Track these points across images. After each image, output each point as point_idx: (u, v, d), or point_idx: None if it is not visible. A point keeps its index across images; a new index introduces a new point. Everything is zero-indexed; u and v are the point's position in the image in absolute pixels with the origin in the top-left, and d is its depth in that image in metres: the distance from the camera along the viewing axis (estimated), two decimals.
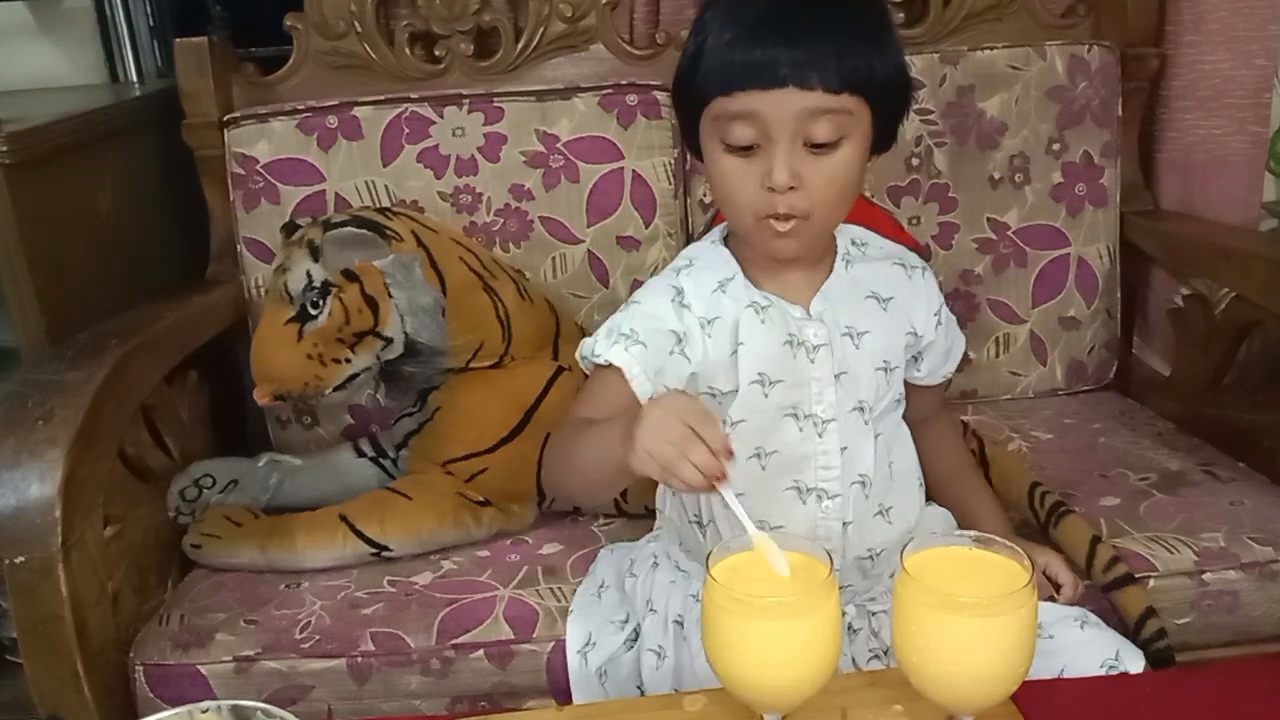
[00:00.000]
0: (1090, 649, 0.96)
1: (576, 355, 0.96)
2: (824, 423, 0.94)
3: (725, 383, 0.94)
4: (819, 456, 0.95)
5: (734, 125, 0.86)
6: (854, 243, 0.99)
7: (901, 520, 1.00)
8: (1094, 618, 1.00)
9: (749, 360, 0.93)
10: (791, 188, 0.85)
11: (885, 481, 0.98)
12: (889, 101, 0.89)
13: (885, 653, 0.97)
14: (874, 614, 0.99)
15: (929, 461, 1.06)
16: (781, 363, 0.94)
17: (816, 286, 0.95)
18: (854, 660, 0.97)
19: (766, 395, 0.94)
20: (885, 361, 0.97)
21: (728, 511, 0.94)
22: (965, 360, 1.57)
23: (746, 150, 0.86)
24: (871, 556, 0.98)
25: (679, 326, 0.93)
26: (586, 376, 0.96)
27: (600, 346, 0.92)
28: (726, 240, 0.98)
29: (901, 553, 0.71)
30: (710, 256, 0.97)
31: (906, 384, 1.02)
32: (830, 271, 0.96)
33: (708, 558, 0.72)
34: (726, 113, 0.86)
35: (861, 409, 0.95)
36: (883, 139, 0.91)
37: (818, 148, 0.85)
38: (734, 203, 0.89)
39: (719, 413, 0.94)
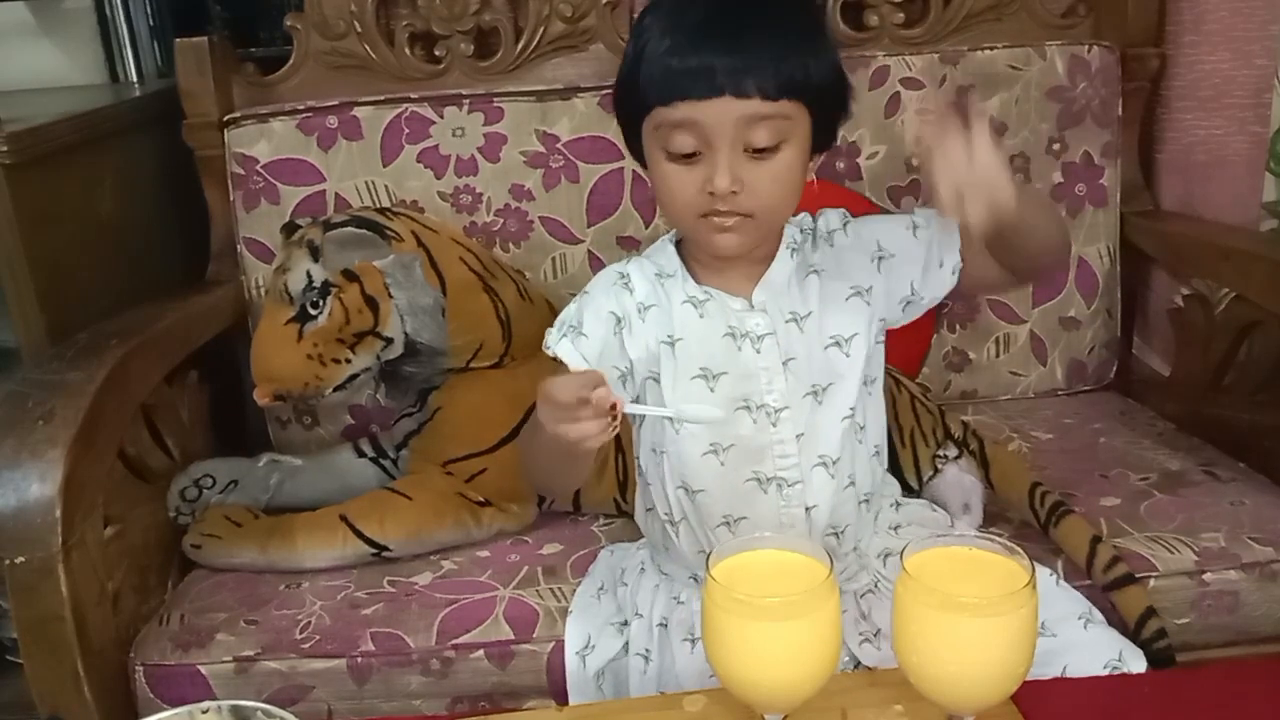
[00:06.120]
0: (1093, 649, 0.96)
1: (543, 346, 0.98)
2: (776, 411, 0.95)
3: (665, 372, 0.95)
4: (775, 446, 0.95)
5: (675, 134, 0.87)
6: (802, 230, 0.99)
7: (861, 487, 0.99)
8: (1098, 615, 1.01)
9: (687, 355, 0.95)
10: (733, 192, 0.87)
11: (853, 453, 0.98)
12: (827, 104, 0.90)
13: (876, 634, 0.97)
14: (860, 596, 0.99)
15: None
16: (724, 355, 0.95)
17: (758, 278, 0.96)
18: (844, 644, 0.96)
19: (713, 389, 0.94)
20: (834, 336, 0.96)
21: (694, 508, 0.96)
22: (965, 360, 1.59)
23: (688, 157, 0.88)
24: (836, 533, 0.98)
25: (619, 309, 0.96)
26: None
27: (552, 339, 0.96)
28: (679, 244, 0.99)
29: (902, 552, 0.71)
30: (659, 253, 1.00)
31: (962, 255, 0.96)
32: (773, 261, 0.97)
33: (707, 558, 0.72)
34: (667, 122, 0.87)
35: (815, 393, 0.96)
36: (823, 139, 0.92)
37: (758, 152, 0.87)
38: (675, 206, 0.91)
39: (659, 399, 0.95)
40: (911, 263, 0.98)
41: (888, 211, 1.54)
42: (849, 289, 0.97)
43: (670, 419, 0.95)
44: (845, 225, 1.00)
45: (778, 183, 0.89)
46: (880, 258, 0.98)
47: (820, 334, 0.96)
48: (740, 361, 0.95)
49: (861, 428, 0.98)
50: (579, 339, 0.94)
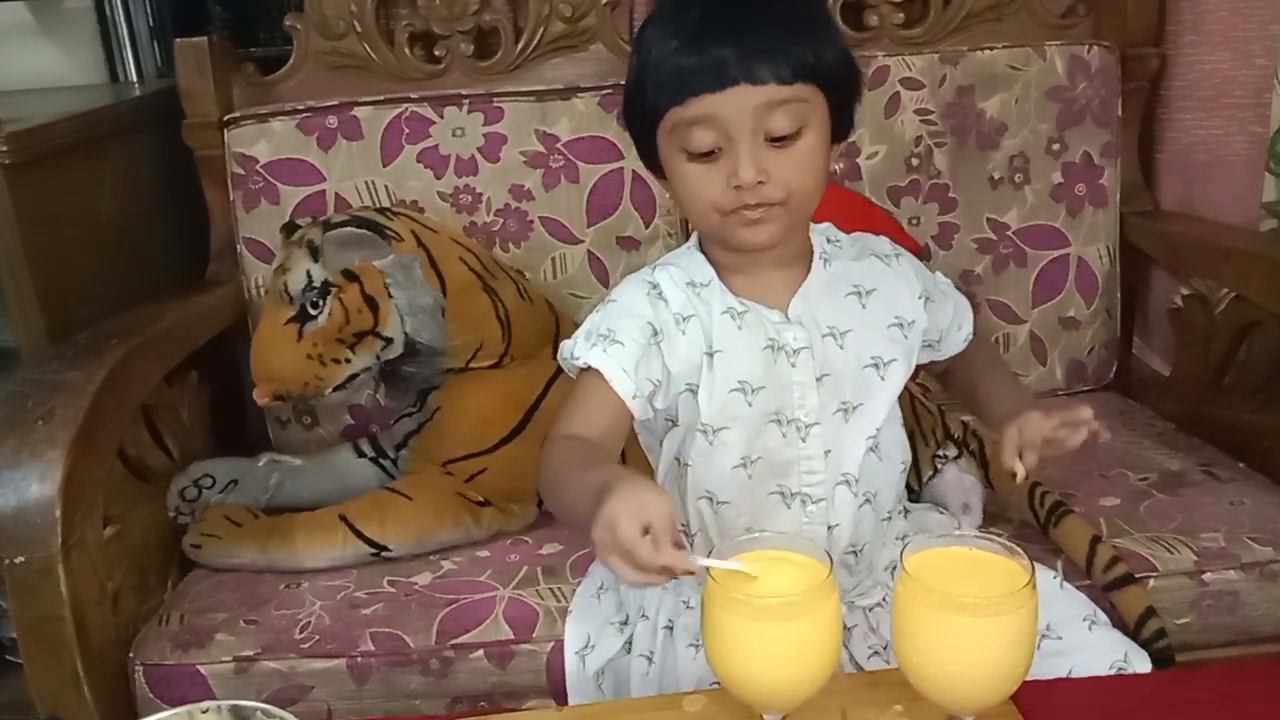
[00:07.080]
0: (1098, 651, 0.96)
1: (558, 357, 0.95)
2: (806, 427, 0.94)
3: (703, 384, 0.93)
4: (802, 461, 0.94)
5: (693, 132, 0.86)
6: (829, 240, 0.99)
7: (882, 507, 0.99)
8: (1103, 617, 1.00)
9: (726, 368, 0.93)
10: (760, 182, 0.86)
11: (872, 472, 0.97)
12: (840, 87, 0.90)
13: (885, 648, 0.97)
14: (869, 610, 0.99)
15: (958, 373, 1.07)
16: (762, 368, 0.93)
17: (794, 288, 0.95)
18: (853, 657, 0.97)
19: (750, 404, 0.93)
20: (874, 357, 0.96)
21: (715, 519, 0.96)
22: None
23: (708, 155, 0.87)
24: (855, 551, 0.98)
25: (655, 319, 0.92)
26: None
27: (579, 349, 0.91)
28: (702, 248, 0.97)
29: (901, 553, 0.71)
30: (687, 261, 0.97)
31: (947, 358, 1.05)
32: (808, 272, 0.96)
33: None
34: (683, 120, 0.86)
35: (845, 410, 0.95)
36: (841, 127, 0.92)
37: (779, 141, 0.86)
38: (700, 205, 0.89)
39: (695, 410, 0.93)
40: (943, 314, 1.02)
41: (888, 211, 1.54)
42: (893, 317, 0.97)
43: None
44: (898, 255, 1.01)
45: (803, 169, 0.87)
46: (926, 298, 1.00)
47: (860, 353, 0.95)
48: (775, 374, 0.93)
49: (879, 458, 0.98)
50: (613, 347, 0.89)
